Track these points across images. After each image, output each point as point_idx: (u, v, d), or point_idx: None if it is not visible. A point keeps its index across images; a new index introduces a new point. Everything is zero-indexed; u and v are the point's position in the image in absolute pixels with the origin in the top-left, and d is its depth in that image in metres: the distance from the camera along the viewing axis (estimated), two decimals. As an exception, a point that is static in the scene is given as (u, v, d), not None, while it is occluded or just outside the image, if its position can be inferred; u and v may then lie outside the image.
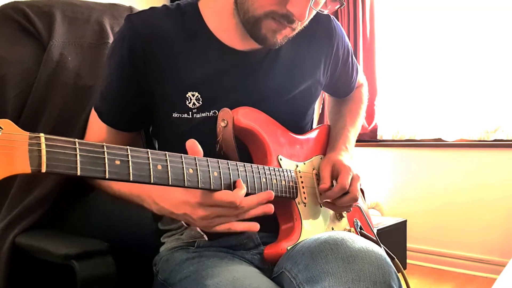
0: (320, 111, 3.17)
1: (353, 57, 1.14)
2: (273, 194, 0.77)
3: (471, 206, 2.77)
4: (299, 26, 0.87)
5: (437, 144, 2.91)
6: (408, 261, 2.83)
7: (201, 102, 0.88)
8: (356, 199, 0.93)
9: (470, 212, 2.78)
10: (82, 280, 0.80)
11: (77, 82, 1.06)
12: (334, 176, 0.95)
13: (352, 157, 1.03)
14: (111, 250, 0.86)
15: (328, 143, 1.07)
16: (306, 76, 0.99)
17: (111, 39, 1.13)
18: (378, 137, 3.16)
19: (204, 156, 0.74)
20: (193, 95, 0.88)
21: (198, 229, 0.90)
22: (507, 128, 2.68)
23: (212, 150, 0.84)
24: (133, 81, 0.88)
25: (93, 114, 0.93)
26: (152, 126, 1.00)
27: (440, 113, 2.91)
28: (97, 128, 0.92)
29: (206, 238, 0.91)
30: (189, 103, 0.88)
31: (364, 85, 1.25)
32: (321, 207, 0.96)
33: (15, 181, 0.99)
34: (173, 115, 0.88)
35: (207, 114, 0.88)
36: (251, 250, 0.92)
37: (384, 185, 3.11)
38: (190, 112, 0.88)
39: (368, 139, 3.16)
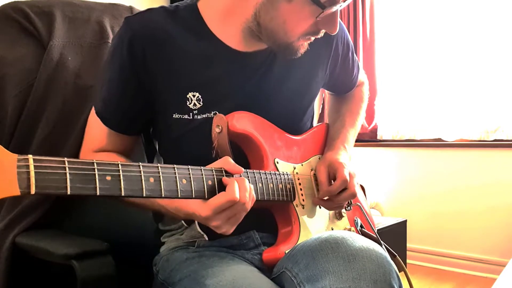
0: (320, 111, 3.17)
1: (354, 52, 1.13)
2: (243, 170, 0.77)
3: (471, 206, 2.77)
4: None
5: (437, 144, 2.91)
6: (408, 261, 2.83)
7: (201, 103, 0.87)
8: (354, 195, 0.93)
9: (470, 212, 2.78)
10: (82, 280, 0.80)
11: (77, 82, 1.06)
12: (331, 176, 0.95)
13: (350, 157, 1.03)
14: (111, 250, 0.86)
15: (326, 142, 1.07)
16: (305, 74, 0.99)
17: (111, 39, 1.13)
18: (378, 137, 3.16)
19: (205, 158, 0.74)
20: (193, 96, 0.87)
21: (198, 229, 0.90)
22: (507, 128, 2.68)
23: (211, 153, 0.84)
24: (134, 84, 0.87)
25: (93, 118, 0.92)
26: (152, 128, 0.99)
27: (440, 113, 2.91)
28: (97, 132, 0.91)
29: (207, 238, 0.91)
30: (190, 103, 0.87)
31: (365, 84, 1.24)
32: (320, 207, 0.96)
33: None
34: (174, 116, 0.88)
35: (207, 115, 0.87)
36: (252, 250, 0.92)
37: (384, 185, 3.11)
38: (191, 113, 0.87)
39: (368, 139, 3.16)
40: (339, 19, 1.04)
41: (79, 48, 1.10)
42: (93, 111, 0.92)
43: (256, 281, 0.76)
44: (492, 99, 2.73)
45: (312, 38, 0.88)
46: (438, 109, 2.92)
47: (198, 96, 0.87)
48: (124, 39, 0.86)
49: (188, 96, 0.87)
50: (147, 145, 1.05)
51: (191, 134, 0.89)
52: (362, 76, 1.22)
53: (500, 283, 1.35)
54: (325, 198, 0.94)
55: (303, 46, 0.88)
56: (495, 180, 2.69)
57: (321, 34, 0.87)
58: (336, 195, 0.93)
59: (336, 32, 0.85)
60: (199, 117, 0.87)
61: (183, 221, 0.94)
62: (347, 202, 0.96)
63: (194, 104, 0.87)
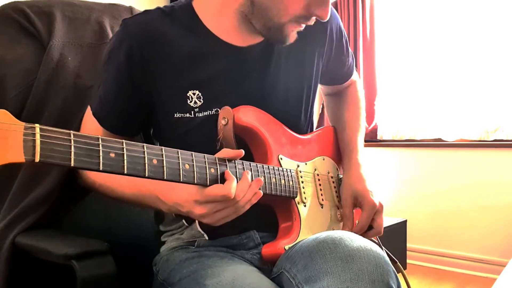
0: (320, 111, 3.17)
1: (346, 39, 1.12)
2: (262, 181, 0.78)
3: (471, 206, 2.77)
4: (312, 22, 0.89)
5: (437, 144, 2.91)
6: (408, 261, 2.83)
7: (202, 101, 0.88)
8: (380, 233, 0.97)
9: (470, 212, 2.78)
10: (82, 280, 0.80)
11: (77, 82, 1.06)
12: (356, 205, 0.98)
13: (367, 169, 1.04)
14: (111, 250, 0.86)
15: (342, 160, 1.07)
16: (304, 66, 0.99)
17: (110, 39, 1.13)
18: (378, 137, 3.16)
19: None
20: (194, 94, 0.88)
21: (199, 229, 0.90)
22: (507, 128, 2.68)
23: (214, 148, 0.84)
24: (131, 86, 0.88)
25: (89, 118, 0.92)
26: (153, 128, 1.00)
27: (440, 113, 2.91)
28: (93, 130, 0.91)
29: (207, 238, 0.91)
30: (191, 102, 0.88)
31: (357, 82, 1.23)
32: (322, 207, 0.96)
33: (15, 180, 0.99)
34: (175, 116, 0.88)
35: (209, 113, 0.88)
36: (251, 249, 0.92)
37: (384, 185, 3.11)
38: (192, 112, 0.88)
39: (368, 139, 3.16)
40: (331, 7, 1.03)
41: (79, 48, 1.10)
42: (88, 111, 0.92)
43: (256, 281, 0.76)
44: (492, 99, 2.73)
45: (303, 26, 0.87)
46: (438, 109, 2.92)
47: (198, 94, 0.88)
48: (121, 41, 0.86)
49: (188, 95, 0.88)
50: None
51: (193, 133, 0.89)
52: (354, 74, 1.21)
53: (500, 283, 1.35)
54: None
55: (293, 35, 0.87)
56: (495, 180, 2.69)
57: (312, 21, 0.87)
58: (363, 233, 0.96)
59: (327, 19, 0.85)
60: (200, 115, 0.88)
61: (183, 221, 0.94)
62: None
63: (195, 102, 0.88)
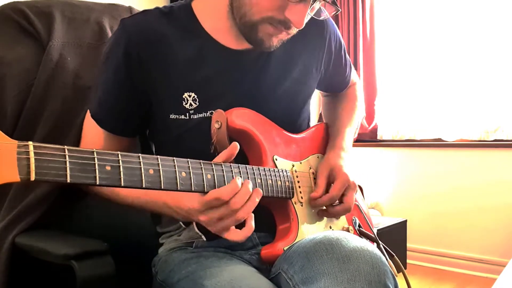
0: (320, 111, 3.17)
1: (345, 51, 1.13)
2: (261, 192, 0.76)
3: (471, 206, 2.77)
4: (294, 31, 0.87)
5: (437, 144, 2.91)
6: (408, 261, 2.83)
7: (197, 103, 0.88)
8: (348, 210, 0.93)
9: (470, 212, 2.78)
10: (81, 280, 0.80)
11: (77, 82, 1.06)
12: (331, 181, 0.95)
13: (350, 157, 1.03)
14: (111, 250, 0.86)
15: (328, 142, 1.07)
16: (300, 72, 0.99)
17: (109, 40, 1.13)
18: (378, 137, 3.16)
19: (202, 157, 0.74)
20: (189, 96, 0.88)
21: (196, 230, 0.91)
22: (507, 128, 2.68)
23: (210, 151, 0.84)
24: (130, 86, 0.88)
25: (89, 121, 0.92)
26: (149, 129, 0.99)
27: (440, 113, 2.91)
28: (94, 134, 0.91)
29: (205, 239, 0.91)
30: (186, 104, 0.88)
31: (357, 83, 1.24)
32: (318, 206, 0.96)
33: (14, 181, 0.99)
34: (170, 117, 0.88)
35: (204, 115, 0.88)
36: (250, 250, 0.93)
37: (384, 185, 3.11)
38: (187, 113, 0.88)
39: (368, 139, 3.16)
40: (330, 18, 1.03)
41: (78, 48, 1.10)
42: (88, 114, 0.92)
43: (254, 282, 0.76)
44: (492, 99, 2.73)
45: (283, 33, 0.85)
46: (438, 109, 2.92)
47: (194, 96, 0.88)
48: (119, 41, 0.87)
49: (184, 97, 0.88)
50: (143, 146, 1.05)
51: (188, 134, 0.89)
52: (354, 76, 1.22)
53: (500, 283, 1.35)
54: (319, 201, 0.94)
55: (273, 40, 0.85)
56: (495, 180, 2.69)
57: (292, 28, 0.85)
58: (330, 206, 0.93)
59: (301, 27, 0.82)
60: (195, 116, 0.88)
61: (181, 222, 0.94)
62: (342, 214, 0.97)
63: (190, 104, 0.88)
